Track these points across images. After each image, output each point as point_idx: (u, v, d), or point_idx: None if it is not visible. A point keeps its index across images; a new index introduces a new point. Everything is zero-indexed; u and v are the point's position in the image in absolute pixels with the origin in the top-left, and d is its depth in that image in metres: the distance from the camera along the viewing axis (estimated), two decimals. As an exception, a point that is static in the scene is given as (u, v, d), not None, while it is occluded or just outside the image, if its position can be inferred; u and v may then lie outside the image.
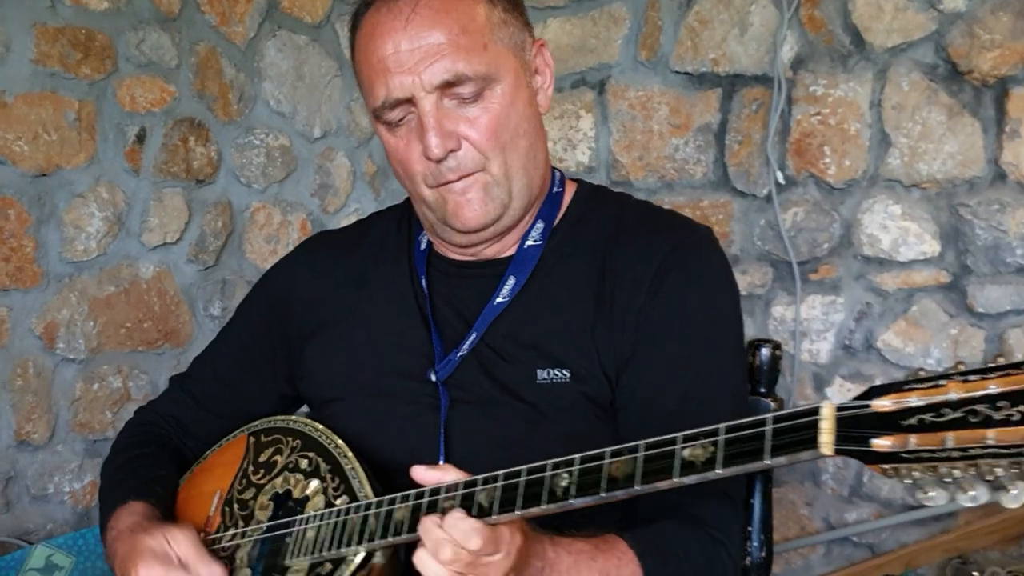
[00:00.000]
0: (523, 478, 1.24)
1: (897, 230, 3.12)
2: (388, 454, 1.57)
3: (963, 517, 3.17)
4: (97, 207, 2.81)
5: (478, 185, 1.53)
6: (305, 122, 3.30)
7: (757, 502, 1.77)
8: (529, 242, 1.62)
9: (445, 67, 1.46)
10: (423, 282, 1.66)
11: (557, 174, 1.69)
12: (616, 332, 1.53)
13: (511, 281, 1.59)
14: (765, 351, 1.78)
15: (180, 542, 1.52)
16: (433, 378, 1.58)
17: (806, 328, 3.25)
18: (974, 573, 3.06)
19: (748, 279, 3.28)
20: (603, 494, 1.19)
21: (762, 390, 1.77)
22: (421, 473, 1.32)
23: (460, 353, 1.58)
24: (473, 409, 1.56)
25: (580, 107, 3.36)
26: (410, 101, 1.48)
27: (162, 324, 3.00)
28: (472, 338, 1.58)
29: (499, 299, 1.59)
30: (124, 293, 2.90)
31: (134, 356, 2.96)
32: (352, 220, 3.34)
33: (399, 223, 1.77)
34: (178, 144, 2.96)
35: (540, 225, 1.63)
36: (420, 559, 1.25)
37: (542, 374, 1.53)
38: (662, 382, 1.52)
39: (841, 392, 3.25)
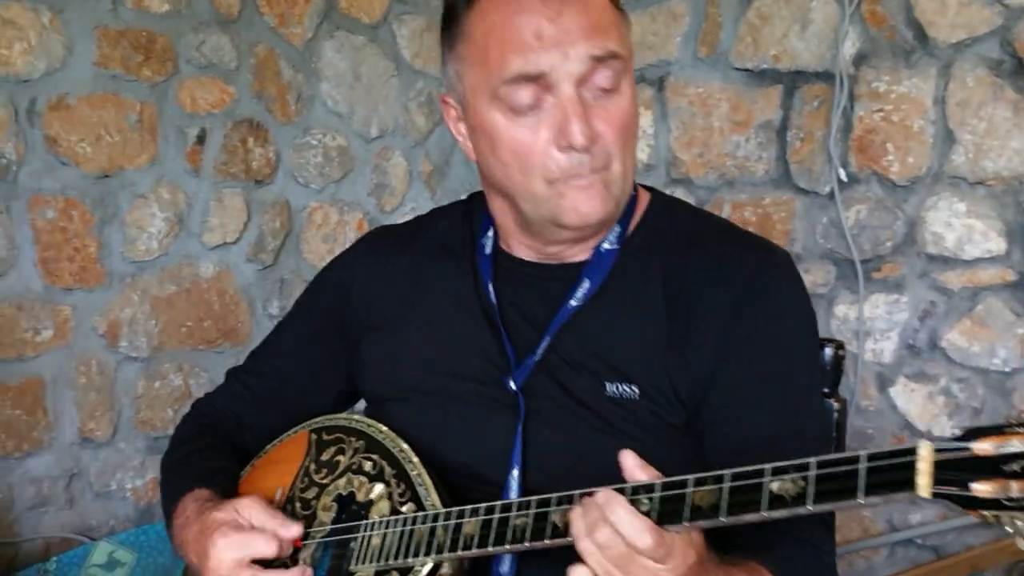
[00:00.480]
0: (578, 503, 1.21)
1: (962, 228, 3.07)
2: (454, 457, 1.54)
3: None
4: (158, 207, 2.84)
5: (600, 183, 1.46)
6: (362, 122, 3.32)
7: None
8: (605, 245, 1.56)
9: (597, 44, 1.40)
10: (490, 288, 1.60)
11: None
12: (691, 353, 1.48)
13: (585, 284, 1.54)
14: (828, 351, 1.75)
15: (249, 508, 1.51)
16: (513, 386, 1.53)
17: (869, 327, 3.21)
18: (1041, 577, 3.01)
19: (810, 278, 3.24)
20: (686, 523, 1.15)
21: (825, 390, 1.74)
22: (631, 465, 1.24)
23: (534, 359, 1.53)
24: (545, 417, 1.52)
25: (639, 104, 3.32)
26: (546, 83, 1.41)
27: (222, 323, 3.03)
28: (545, 343, 1.53)
29: (573, 302, 1.54)
30: (185, 292, 2.94)
31: (194, 354, 2.99)
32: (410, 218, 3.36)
33: (460, 221, 1.73)
34: (237, 145, 2.99)
35: (616, 229, 1.57)
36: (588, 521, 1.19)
37: (611, 387, 1.49)
38: (748, 412, 1.47)
39: (905, 392, 3.20)
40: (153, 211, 2.83)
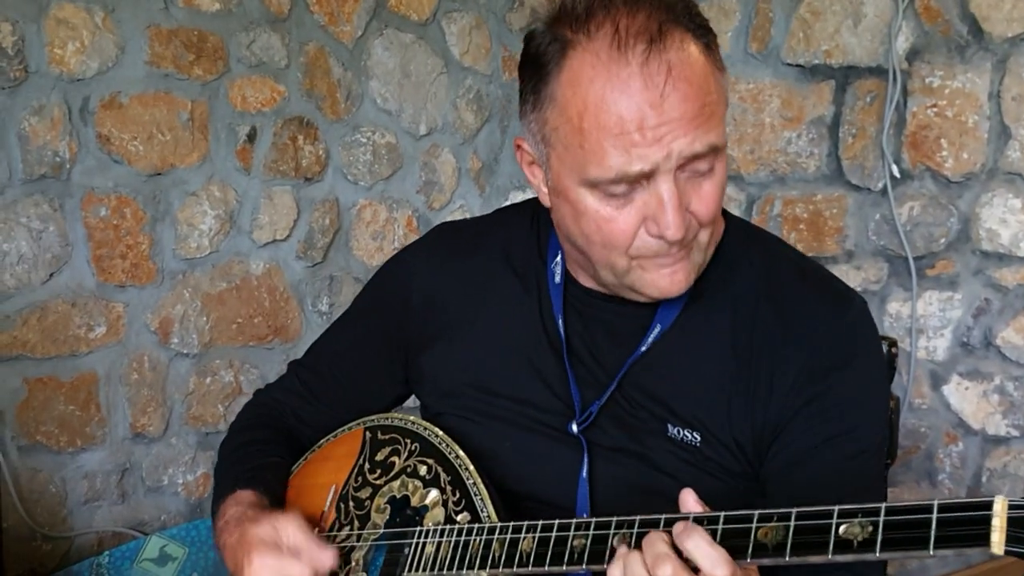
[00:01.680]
0: (663, 527, 1.20)
1: (1017, 224, 3.03)
2: (513, 484, 1.53)
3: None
4: (209, 205, 2.86)
5: (687, 258, 1.42)
6: (411, 120, 3.32)
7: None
8: None
9: (699, 139, 1.33)
10: (559, 322, 1.57)
11: None
12: (757, 405, 1.46)
13: (657, 328, 1.51)
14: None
15: (288, 530, 1.50)
16: (575, 430, 1.51)
17: (923, 325, 3.17)
18: (1100, 579, 2.95)
19: (863, 275, 3.21)
20: (748, 560, 1.14)
21: (877, 388, 1.73)
22: (691, 502, 1.22)
23: (600, 404, 1.51)
24: (604, 455, 1.50)
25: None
26: (648, 176, 1.34)
27: (272, 320, 3.04)
28: (612, 387, 1.51)
29: (644, 347, 1.51)
30: (235, 289, 2.96)
31: (245, 351, 3.01)
32: (457, 216, 3.36)
33: (528, 234, 1.67)
34: (287, 143, 3.00)
35: None
36: (629, 572, 1.17)
37: (672, 430, 1.47)
38: (810, 470, 1.44)
39: (959, 390, 3.16)
40: (204, 209, 2.85)
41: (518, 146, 1.51)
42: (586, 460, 1.49)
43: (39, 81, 2.56)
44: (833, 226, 3.21)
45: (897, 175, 3.11)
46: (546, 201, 1.51)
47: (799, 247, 3.18)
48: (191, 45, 2.77)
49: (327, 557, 1.48)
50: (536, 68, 1.40)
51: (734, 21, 3.24)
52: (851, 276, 3.20)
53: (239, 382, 2.99)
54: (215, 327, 2.93)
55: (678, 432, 1.46)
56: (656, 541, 1.16)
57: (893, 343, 1.74)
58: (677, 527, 1.17)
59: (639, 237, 1.38)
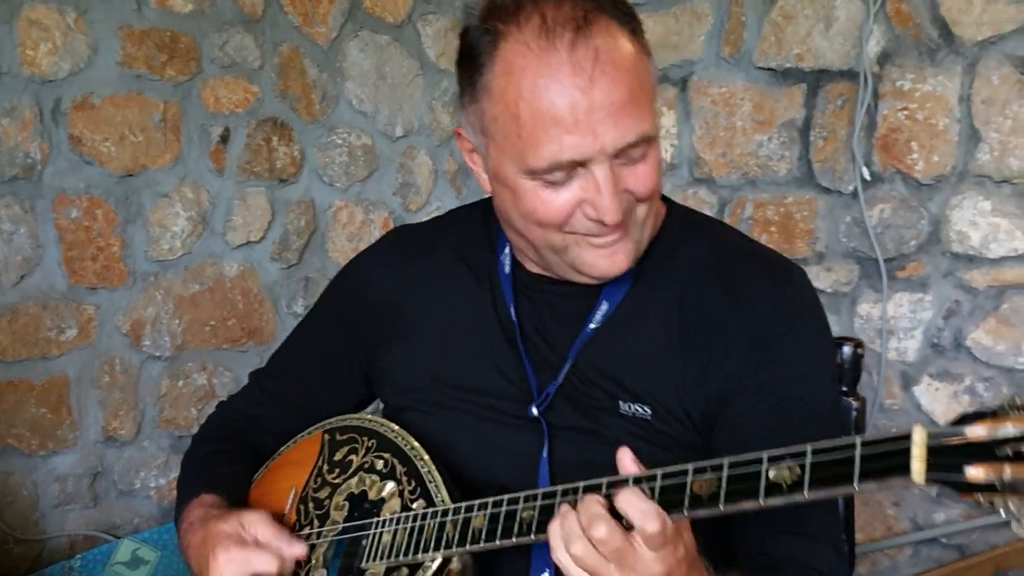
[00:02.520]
0: (604, 492, 1.22)
1: (987, 226, 3.05)
2: (477, 473, 1.54)
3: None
4: (182, 207, 2.85)
5: (625, 235, 1.46)
6: (387, 121, 3.32)
7: (840, 501, 1.73)
8: None
9: (631, 128, 1.37)
10: (511, 310, 1.60)
11: None
12: (706, 377, 1.49)
13: (604, 306, 1.54)
14: (847, 349, 1.75)
15: (254, 523, 1.52)
16: (535, 412, 1.54)
17: (893, 326, 3.19)
18: (1067, 578, 2.99)
19: (833, 277, 3.23)
20: (685, 513, 1.16)
21: (844, 389, 1.74)
22: (628, 461, 1.25)
23: (556, 384, 1.54)
24: (563, 435, 1.52)
25: (662, 104, 3.34)
26: (582, 163, 1.39)
27: (246, 322, 3.04)
28: (566, 368, 1.54)
29: (592, 325, 1.54)
30: (208, 291, 2.95)
31: (218, 353, 3.00)
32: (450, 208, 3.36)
33: (479, 230, 1.71)
34: (261, 144, 3.00)
35: None
36: (567, 528, 1.20)
37: (624, 406, 1.50)
38: (761, 437, 1.41)
39: (929, 391, 3.19)
40: (177, 210, 2.84)
41: (458, 134, 1.56)
42: (546, 442, 1.51)
43: (10, 82, 2.55)
44: (804, 228, 3.23)
45: (868, 178, 3.12)
46: (487, 188, 1.55)
47: (771, 249, 3.21)
48: (163, 46, 2.77)
49: (294, 548, 1.51)
50: (471, 60, 1.45)
51: (707, 25, 3.26)
52: (822, 278, 3.22)
53: (212, 385, 2.98)
54: (188, 329, 2.92)
55: (629, 407, 1.49)
56: (591, 503, 1.19)
57: (859, 344, 1.76)
58: (616, 488, 1.20)
59: (575, 216, 1.42)
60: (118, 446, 2.83)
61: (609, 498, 1.20)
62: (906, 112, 3.08)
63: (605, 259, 1.46)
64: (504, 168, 1.45)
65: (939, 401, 3.18)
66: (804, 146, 3.22)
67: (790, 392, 1.46)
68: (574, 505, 1.23)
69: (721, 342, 1.49)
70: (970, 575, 3.17)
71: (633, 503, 1.16)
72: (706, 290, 1.53)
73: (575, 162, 1.37)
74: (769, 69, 3.22)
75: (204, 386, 2.96)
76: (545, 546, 1.44)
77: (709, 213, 3.28)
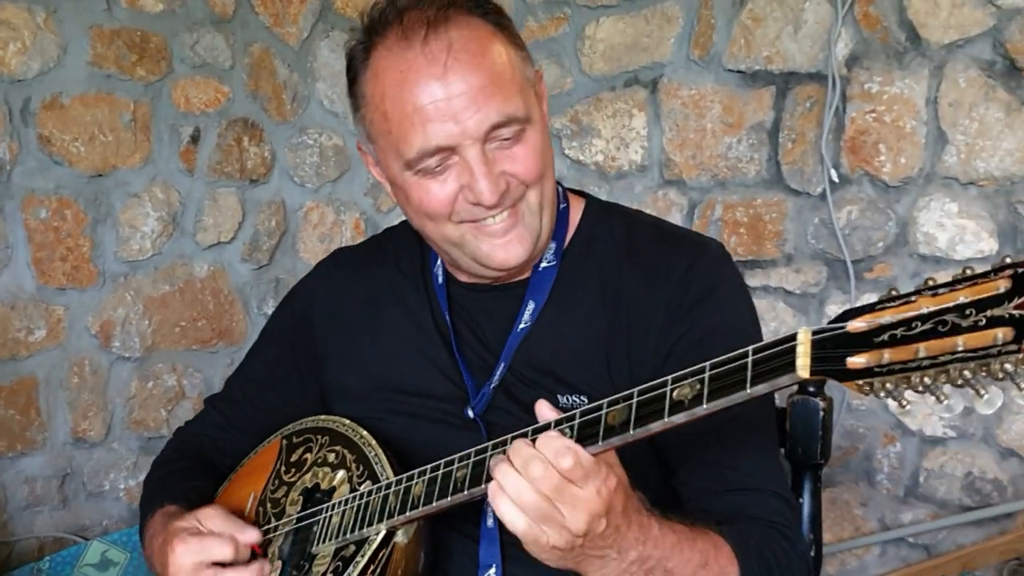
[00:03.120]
0: (530, 437, 1.26)
1: (954, 228, 3.08)
2: None
3: (1021, 518, 3.12)
4: (152, 207, 2.84)
5: (518, 222, 1.52)
6: (358, 122, 3.32)
7: (806, 500, 1.75)
8: (543, 264, 1.62)
9: (494, 109, 1.43)
10: (446, 316, 1.66)
11: (559, 189, 1.68)
12: (634, 357, 1.54)
13: (531, 305, 1.60)
14: (815, 351, 1.76)
15: (209, 516, 1.56)
16: (471, 414, 1.60)
17: (861, 328, 3.21)
18: (1032, 576, 3.02)
19: (802, 278, 3.25)
20: (600, 443, 1.20)
21: (811, 389, 1.75)
22: (545, 409, 1.30)
23: (491, 385, 1.59)
24: (505, 433, 1.54)
25: (632, 106, 3.35)
26: (450, 148, 1.45)
27: (216, 323, 3.03)
28: (501, 368, 1.59)
29: (521, 325, 1.59)
30: (179, 292, 2.94)
31: (188, 354, 2.99)
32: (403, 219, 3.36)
33: (414, 244, 1.77)
34: (232, 144, 2.99)
35: (552, 246, 1.63)
36: (503, 476, 1.22)
37: (562, 399, 1.54)
38: None
39: (897, 393, 3.21)
40: (147, 210, 2.83)
41: (360, 150, 1.63)
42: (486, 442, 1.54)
43: (-22, 82, 2.54)
44: (773, 230, 3.25)
45: (836, 180, 3.14)
46: (393, 198, 1.62)
47: (739, 251, 3.23)
48: (134, 45, 2.76)
49: (248, 535, 1.54)
50: (352, 76, 1.54)
51: (676, 27, 3.28)
52: (790, 279, 3.24)
53: (182, 386, 2.97)
54: (158, 330, 2.91)
55: (567, 399, 1.54)
56: (521, 447, 1.23)
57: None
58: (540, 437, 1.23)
59: (459, 203, 1.49)
60: (87, 447, 2.81)
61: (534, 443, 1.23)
62: (874, 114, 3.10)
63: (501, 248, 1.52)
64: (391, 168, 1.53)
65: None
66: (773, 148, 3.24)
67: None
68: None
69: (640, 321, 1.54)
70: (937, 574, 3.19)
71: (548, 443, 1.20)
72: (624, 274, 1.58)
73: (442, 147, 1.44)
74: (738, 71, 3.24)
75: (174, 387, 2.96)
76: (492, 541, 1.49)
77: (679, 215, 3.30)
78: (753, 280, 3.25)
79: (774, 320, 3.24)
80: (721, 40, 3.24)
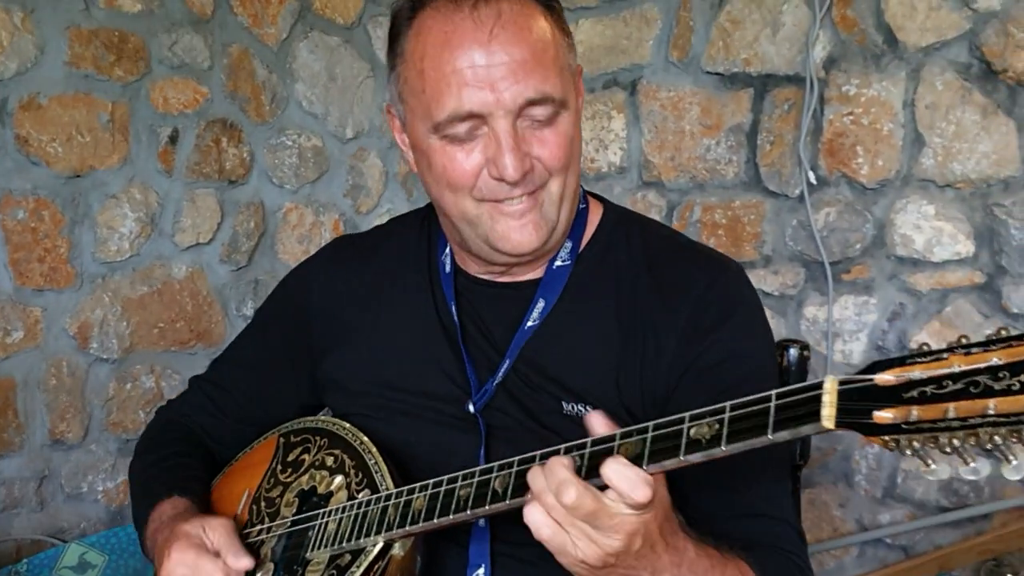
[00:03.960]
0: (538, 463, 1.24)
1: (931, 230, 3.10)
2: (419, 474, 1.54)
3: (998, 519, 3.14)
4: (130, 208, 2.83)
5: (536, 208, 1.49)
6: (337, 123, 3.32)
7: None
8: (558, 263, 1.59)
9: (531, 86, 1.42)
10: (452, 308, 1.63)
11: (582, 189, 1.65)
12: (646, 372, 1.52)
13: (541, 304, 1.57)
14: (793, 352, 1.77)
15: (216, 531, 1.54)
16: (471, 409, 1.57)
17: (839, 329, 3.23)
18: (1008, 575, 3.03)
19: (780, 279, 3.26)
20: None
21: (789, 391, 1.76)
22: (599, 423, 1.26)
23: (495, 382, 1.56)
24: (506, 436, 1.54)
25: (612, 108, 3.36)
26: (482, 118, 1.43)
27: (195, 324, 3.02)
28: (506, 365, 1.56)
29: (529, 323, 1.57)
30: (157, 293, 2.93)
31: (167, 356, 2.98)
32: (385, 221, 3.36)
33: (419, 235, 1.74)
34: (211, 145, 2.98)
35: (568, 245, 1.60)
36: (537, 491, 1.19)
37: (567, 407, 1.52)
38: None
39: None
40: (124, 211, 2.82)
41: (388, 111, 1.61)
42: (483, 442, 1.54)
43: (-45, 82, 2.52)
44: (751, 232, 3.26)
45: (814, 182, 3.16)
46: (413, 166, 1.60)
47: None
48: (112, 46, 2.74)
49: (241, 562, 1.52)
50: (394, 34, 1.52)
51: (655, 29, 3.29)
52: (768, 281, 3.25)
53: (160, 388, 2.96)
54: (136, 332, 2.90)
55: (573, 407, 1.52)
56: (557, 468, 1.18)
57: (805, 347, 1.78)
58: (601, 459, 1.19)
59: (481, 178, 1.47)
60: (65, 449, 2.80)
61: (578, 464, 1.20)
62: (851, 117, 3.12)
63: (516, 231, 1.49)
64: (417, 131, 1.51)
65: (884, 402, 3.23)
66: (751, 150, 3.25)
67: (727, 381, 1.48)
68: (505, 480, 1.26)
69: (655, 337, 1.52)
70: (914, 575, 3.21)
71: (620, 471, 1.15)
72: (640, 286, 1.56)
73: (474, 114, 1.42)
74: (717, 74, 3.25)
75: (152, 389, 2.94)
76: (483, 540, 1.48)
77: (658, 216, 3.30)
78: (732, 281, 3.26)
79: (752, 321, 3.25)
80: (700, 43, 3.25)
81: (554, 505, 1.17)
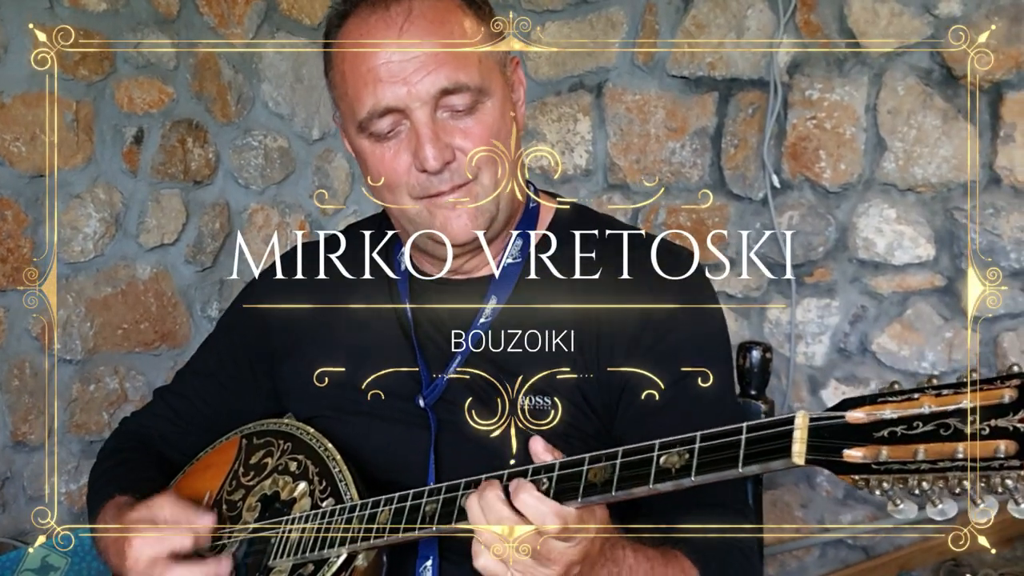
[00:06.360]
0: (505, 483, 1.25)
1: (892, 234, 3.13)
2: (375, 472, 1.58)
3: (959, 520, 3.17)
4: (94, 208, 2.81)
5: (469, 198, 1.52)
6: (304, 124, 3.31)
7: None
8: (508, 259, 1.62)
9: (444, 75, 1.46)
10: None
11: (531, 187, 1.68)
12: (602, 363, 1.54)
13: (493, 301, 1.60)
14: (755, 353, 1.79)
15: (161, 505, 1.55)
16: (421, 403, 1.59)
17: (801, 331, 3.26)
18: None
19: (743, 282, 3.29)
20: (579, 500, 1.20)
21: (752, 392, 1.78)
22: (540, 449, 1.29)
23: (446, 376, 1.59)
24: (460, 431, 1.55)
25: (578, 110, 3.37)
26: (401, 112, 1.47)
27: (159, 325, 3.00)
28: (456, 361, 1.59)
29: (482, 320, 1.59)
30: (121, 294, 2.91)
31: (131, 357, 2.96)
32: (351, 222, 3.36)
33: (375, 236, 1.76)
34: (176, 145, 2.97)
35: (519, 242, 1.63)
36: (481, 535, 1.23)
37: (524, 400, 1.53)
38: (663, 415, 1.49)
39: (836, 395, 3.25)
40: (89, 211, 2.81)
41: (334, 121, 1.65)
42: (433, 436, 1.57)
43: (-83, 80, 2.50)
44: (715, 235, 3.28)
45: (777, 185, 3.19)
46: (363, 172, 1.63)
47: (683, 254, 3.25)
48: (77, 45, 2.73)
49: (203, 519, 1.54)
50: (326, 44, 1.57)
51: (621, 32, 3.30)
52: (732, 283, 3.27)
53: (124, 389, 2.94)
54: (100, 333, 2.88)
55: (530, 401, 1.53)
56: (488, 494, 1.23)
57: (767, 348, 1.80)
58: (512, 484, 1.24)
59: (413, 175, 1.51)
60: (27, 451, 2.78)
61: (505, 490, 1.23)
62: (815, 121, 3.15)
63: (453, 220, 1.53)
64: (350, 134, 1.56)
65: (845, 404, 3.25)
66: (716, 153, 3.27)
67: (683, 372, 1.51)
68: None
69: (611, 326, 1.55)
70: (875, 575, 3.24)
71: (531, 505, 1.20)
72: (597, 280, 1.59)
73: (391, 108, 1.47)
74: (682, 77, 3.27)
75: (116, 390, 2.93)
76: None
77: (623, 219, 3.32)
78: (696, 284, 3.27)
79: (716, 323, 3.27)
80: (665, 46, 3.27)
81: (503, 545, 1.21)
